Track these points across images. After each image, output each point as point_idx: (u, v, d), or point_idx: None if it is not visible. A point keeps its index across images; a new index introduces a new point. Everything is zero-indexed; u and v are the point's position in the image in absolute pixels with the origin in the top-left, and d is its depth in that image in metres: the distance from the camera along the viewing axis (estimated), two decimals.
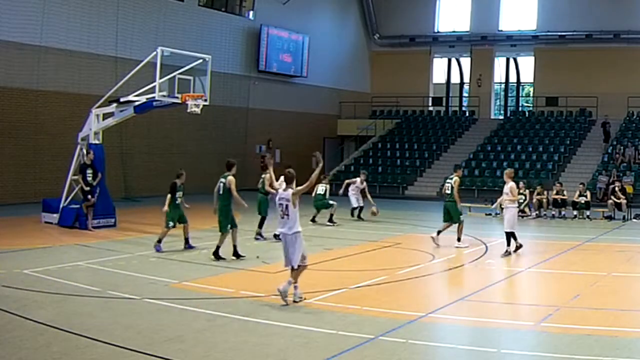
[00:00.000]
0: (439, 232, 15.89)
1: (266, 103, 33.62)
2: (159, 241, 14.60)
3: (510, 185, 14.93)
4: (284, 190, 9.88)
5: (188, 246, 14.90)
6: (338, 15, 38.84)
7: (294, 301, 9.68)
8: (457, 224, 15.81)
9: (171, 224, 14.68)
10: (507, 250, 14.75)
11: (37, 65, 23.42)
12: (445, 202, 16.07)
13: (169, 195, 14.69)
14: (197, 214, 16.90)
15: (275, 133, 34.21)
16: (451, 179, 16.09)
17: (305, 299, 9.83)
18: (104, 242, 15.58)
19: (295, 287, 9.76)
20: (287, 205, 9.69)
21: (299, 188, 9.99)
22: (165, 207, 14.55)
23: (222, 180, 13.66)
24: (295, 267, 9.76)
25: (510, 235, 14.76)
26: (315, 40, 35.83)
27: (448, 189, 15.98)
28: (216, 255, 13.52)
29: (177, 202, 14.84)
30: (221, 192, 13.58)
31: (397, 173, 33.11)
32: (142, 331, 8.33)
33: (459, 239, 15.75)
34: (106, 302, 9.82)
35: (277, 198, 9.93)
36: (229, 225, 13.55)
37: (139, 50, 23.61)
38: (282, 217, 9.75)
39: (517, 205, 15.69)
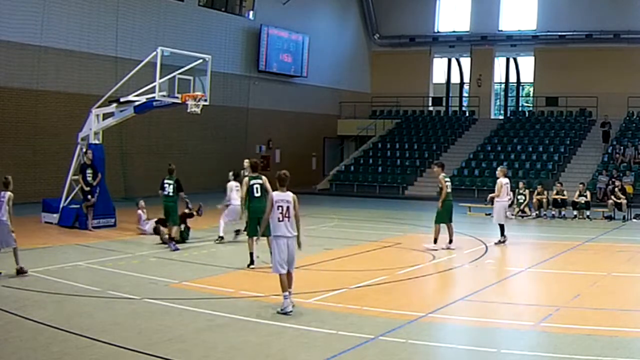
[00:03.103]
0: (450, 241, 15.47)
1: (266, 103, 33.61)
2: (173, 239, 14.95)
3: (499, 181, 16.67)
4: (282, 192, 9.51)
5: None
6: (338, 15, 38.84)
7: (290, 311, 9.20)
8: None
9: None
10: (499, 240, 16.21)
11: (37, 65, 23.41)
12: (450, 201, 15.68)
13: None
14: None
15: (275, 133, 34.21)
16: (450, 177, 15.91)
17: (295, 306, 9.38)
18: (104, 242, 15.58)
19: (290, 293, 9.39)
20: (288, 207, 9.39)
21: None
22: None
23: (258, 181, 12.84)
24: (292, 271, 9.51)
25: (501, 227, 16.31)
26: (315, 40, 35.83)
27: (449, 188, 15.69)
28: (251, 265, 12.65)
29: None
30: (258, 194, 12.78)
31: (397, 173, 33.12)
32: (142, 331, 8.33)
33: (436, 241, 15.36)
34: (106, 302, 9.82)
35: (274, 200, 9.42)
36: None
37: (139, 50, 23.62)
38: (282, 220, 9.37)
39: (506, 200, 16.68)
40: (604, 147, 31.28)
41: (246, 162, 17.00)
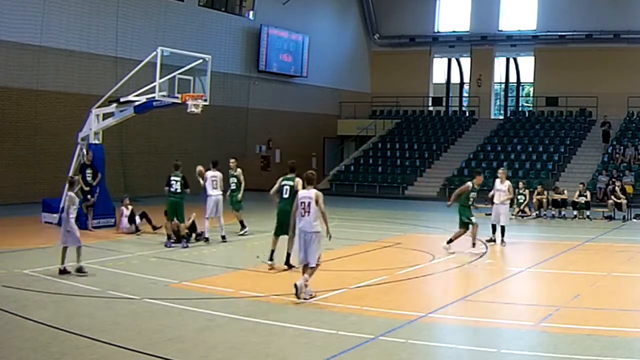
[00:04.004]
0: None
1: (266, 103, 33.61)
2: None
3: (507, 183, 16.58)
4: (307, 190, 10.34)
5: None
6: (338, 15, 38.83)
7: (304, 299, 9.77)
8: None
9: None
10: (491, 238, 16.34)
11: (37, 65, 23.41)
12: None
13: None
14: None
15: (275, 133, 34.21)
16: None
17: (315, 296, 9.99)
18: (104, 242, 15.59)
19: (307, 285, 9.92)
20: (309, 203, 10.16)
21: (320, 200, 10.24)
22: None
23: (289, 182, 12.65)
24: (314, 265, 10.09)
25: (503, 229, 16.28)
26: (315, 40, 35.82)
27: None
28: (288, 264, 12.51)
29: None
30: (287, 195, 12.61)
31: (397, 173, 33.11)
32: (142, 331, 8.33)
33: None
34: (106, 302, 9.82)
35: (298, 197, 10.34)
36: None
37: (139, 50, 23.60)
38: (304, 215, 10.20)
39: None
40: (604, 147, 31.28)
41: (232, 162, 16.94)
